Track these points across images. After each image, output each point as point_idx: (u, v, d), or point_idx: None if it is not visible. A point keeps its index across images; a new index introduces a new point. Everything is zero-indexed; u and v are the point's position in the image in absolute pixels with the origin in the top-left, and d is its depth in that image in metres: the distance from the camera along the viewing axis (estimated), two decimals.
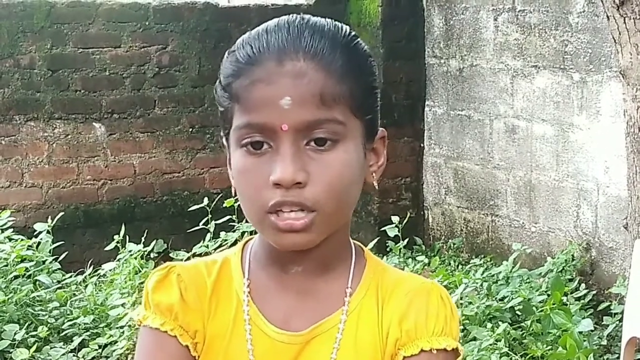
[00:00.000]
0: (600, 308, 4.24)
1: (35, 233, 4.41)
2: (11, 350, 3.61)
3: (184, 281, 1.25)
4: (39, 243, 4.32)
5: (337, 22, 1.20)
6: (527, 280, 4.42)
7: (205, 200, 4.46)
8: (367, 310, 1.24)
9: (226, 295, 1.25)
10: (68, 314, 4.00)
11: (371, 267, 1.27)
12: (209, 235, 4.40)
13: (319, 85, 1.14)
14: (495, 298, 4.15)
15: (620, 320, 3.55)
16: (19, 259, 4.14)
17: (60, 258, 4.41)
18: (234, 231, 4.34)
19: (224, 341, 1.23)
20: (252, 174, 1.16)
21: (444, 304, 1.23)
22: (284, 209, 1.15)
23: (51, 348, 3.72)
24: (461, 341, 3.65)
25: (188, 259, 3.87)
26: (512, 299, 4.03)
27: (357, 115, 1.17)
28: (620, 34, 3.08)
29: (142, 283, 3.94)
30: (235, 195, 1.21)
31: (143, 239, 4.46)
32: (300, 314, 1.23)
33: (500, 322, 3.79)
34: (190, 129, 5.31)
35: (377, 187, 1.25)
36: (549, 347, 3.62)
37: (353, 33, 1.21)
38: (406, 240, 4.91)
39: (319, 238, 1.18)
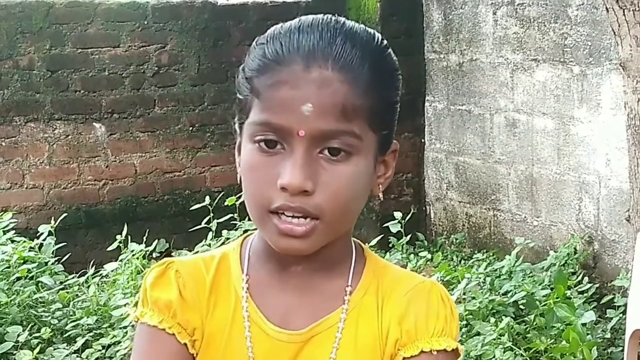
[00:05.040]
0: (603, 301, 4.24)
1: (37, 234, 4.40)
2: (15, 352, 3.61)
3: (183, 277, 1.23)
4: (41, 244, 4.31)
5: (370, 30, 1.19)
6: (530, 274, 4.42)
7: (207, 199, 4.45)
8: (366, 309, 1.23)
9: (225, 292, 1.24)
10: (71, 315, 3.99)
11: (371, 266, 1.26)
12: (211, 234, 4.40)
13: (342, 96, 1.12)
14: (498, 292, 4.15)
15: (624, 313, 3.55)
16: (21, 261, 4.14)
17: (63, 259, 4.40)
18: (236, 229, 4.33)
19: (223, 339, 1.22)
20: (261, 172, 1.15)
21: (444, 304, 1.22)
22: (287, 213, 1.14)
23: (54, 349, 3.71)
24: (464, 336, 3.66)
25: None
26: (515, 293, 4.03)
27: (374, 129, 1.17)
28: (619, 26, 3.08)
29: None
30: (241, 182, 1.20)
31: (145, 238, 4.45)
32: (300, 312, 1.22)
33: (503, 317, 3.79)
34: (191, 128, 5.30)
35: (382, 198, 1.24)
36: (553, 341, 3.62)
37: (385, 43, 1.19)
38: (409, 236, 4.90)
39: (317, 246, 1.17)
